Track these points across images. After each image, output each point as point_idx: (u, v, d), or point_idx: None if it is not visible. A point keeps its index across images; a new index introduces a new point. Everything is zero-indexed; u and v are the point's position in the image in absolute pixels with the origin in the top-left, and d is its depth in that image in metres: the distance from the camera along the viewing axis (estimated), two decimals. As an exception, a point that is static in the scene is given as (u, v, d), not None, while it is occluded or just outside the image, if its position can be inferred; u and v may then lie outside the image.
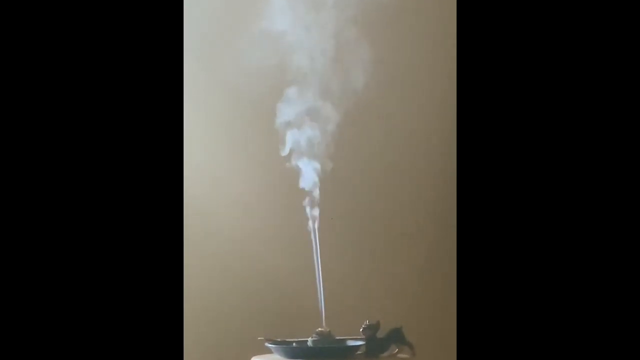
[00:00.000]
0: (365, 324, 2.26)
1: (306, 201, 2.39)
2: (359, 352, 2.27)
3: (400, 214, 2.94)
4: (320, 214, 2.39)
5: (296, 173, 2.45)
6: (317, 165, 2.42)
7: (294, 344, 2.31)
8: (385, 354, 2.27)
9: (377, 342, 2.27)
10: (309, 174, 2.41)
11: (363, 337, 2.27)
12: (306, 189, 2.40)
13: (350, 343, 2.30)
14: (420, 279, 2.93)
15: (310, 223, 2.39)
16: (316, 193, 2.39)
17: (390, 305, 2.84)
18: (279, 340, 2.31)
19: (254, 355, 2.32)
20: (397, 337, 2.28)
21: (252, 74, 2.87)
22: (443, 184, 2.87)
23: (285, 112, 2.45)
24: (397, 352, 2.28)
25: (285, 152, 2.43)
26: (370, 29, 2.61)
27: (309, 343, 2.30)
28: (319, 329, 2.31)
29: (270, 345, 2.28)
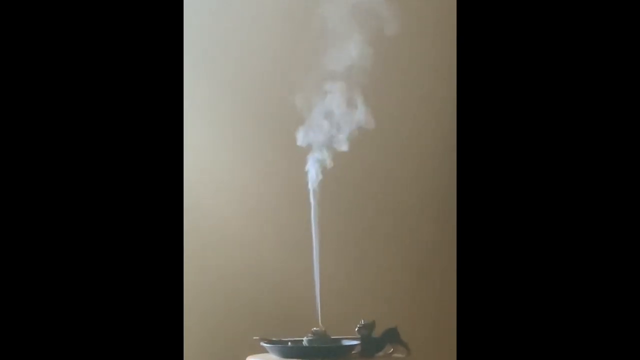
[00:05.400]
0: (361, 324, 2.26)
1: (309, 200, 2.40)
2: (354, 352, 2.27)
3: (399, 213, 2.95)
4: (320, 213, 2.40)
5: (296, 173, 2.45)
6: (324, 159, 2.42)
7: (289, 343, 2.30)
8: (380, 353, 2.28)
9: (372, 342, 2.27)
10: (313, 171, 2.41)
11: (358, 336, 2.27)
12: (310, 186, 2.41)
13: (346, 343, 2.30)
14: (419, 280, 2.93)
15: (311, 217, 2.39)
16: (317, 192, 2.40)
17: (387, 305, 2.84)
18: (274, 339, 2.31)
19: (249, 354, 2.31)
20: (392, 336, 2.28)
21: (252, 73, 2.88)
22: (443, 184, 2.87)
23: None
24: (392, 352, 2.28)
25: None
26: (370, 30, 2.61)
27: (304, 342, 2.30)
28: (315, 328, 2.31)
29: (265, 344, 2.28)
